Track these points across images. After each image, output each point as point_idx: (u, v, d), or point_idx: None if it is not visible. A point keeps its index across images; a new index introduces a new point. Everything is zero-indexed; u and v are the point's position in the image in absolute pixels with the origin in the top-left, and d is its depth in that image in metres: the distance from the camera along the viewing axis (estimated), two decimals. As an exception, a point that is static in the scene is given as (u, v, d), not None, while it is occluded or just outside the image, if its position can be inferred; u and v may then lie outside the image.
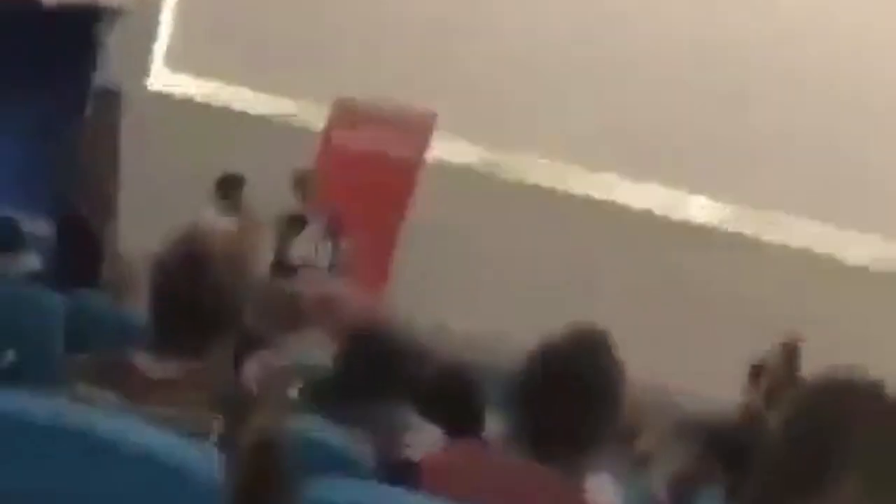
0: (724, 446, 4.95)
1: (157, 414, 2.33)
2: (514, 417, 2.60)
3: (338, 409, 3.51)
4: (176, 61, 11.78)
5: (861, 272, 9.85)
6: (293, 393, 4.77)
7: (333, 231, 8.96)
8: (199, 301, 2.47)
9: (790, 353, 7.47)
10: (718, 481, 4.44)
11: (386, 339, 3.81)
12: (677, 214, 10.47)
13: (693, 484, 4.87)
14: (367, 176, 9.64)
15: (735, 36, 10.13)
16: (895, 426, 1.99)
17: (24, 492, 2.11)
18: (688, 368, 9.31)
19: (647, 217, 10.44)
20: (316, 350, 6.35)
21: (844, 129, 9.85)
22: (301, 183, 8.97)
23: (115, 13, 11.57)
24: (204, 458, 2.15)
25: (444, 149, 10.14)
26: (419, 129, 10.06)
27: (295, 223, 8.91)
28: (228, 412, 2.39)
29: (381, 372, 3.68)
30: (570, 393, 2.52)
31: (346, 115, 10.18)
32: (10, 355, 5.08)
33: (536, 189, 10.55)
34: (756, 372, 7.58)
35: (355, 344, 3.78)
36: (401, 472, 2.94)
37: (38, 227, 8.80)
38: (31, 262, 6.54)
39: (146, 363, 2.47)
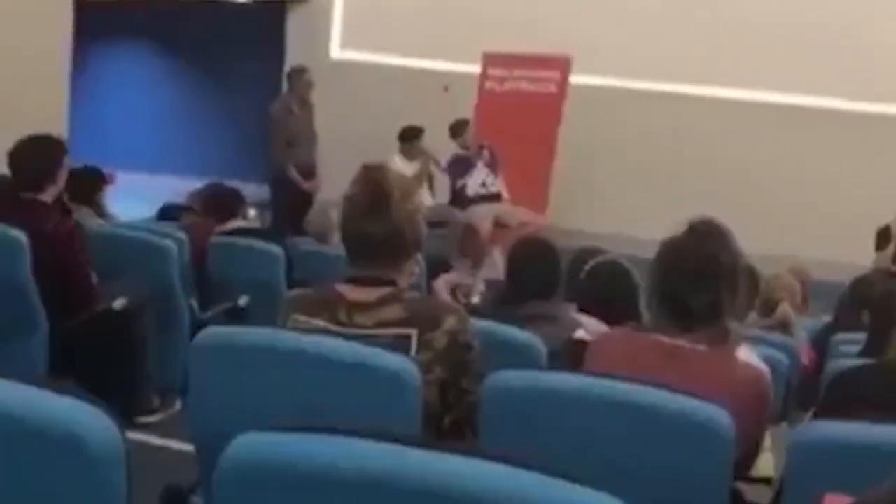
0: (863, 300, 4.85)
1: (362, 331, 2.40)
2: (660, 301, 2.59)
3: (514, 310, 3.56)
4: (349, 38, 11.92)
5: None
6: (477, 301, 4.85)
7: (495, 166, 9.06)
8: (382, 230, 2.50)
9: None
10: (860, 330, 4.38)
11: (550, 248, 3.85)
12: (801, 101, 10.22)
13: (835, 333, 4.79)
14: (518, 115, 9.66)
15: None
16: None
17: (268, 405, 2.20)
18: (816, 239, 9.11)
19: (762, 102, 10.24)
20: (492, 267, 6.46)
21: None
22: (460, 129, 9.13)
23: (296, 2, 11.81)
24: (402, 363, 2.19)
25: (580, 83, 10.10)
26: (558, 69, 10.10)
27: (463, 163, 9.02)
28: (423, 322, 2.44)
29: (548, 276, 3.71)
30: (704, 272, 2.52)
31: (495, 65, 10.25)
32: (244, 300, 5.26)
33: (667, 103, 10.44)
34: (884, 235, 7.33)
35: (525, 255, 3.82)
36: (571, 357, 2.97)
37: (257, 191, 9.09)
38: (254, 221, 6.73)
39: (350, 289, 2.52)
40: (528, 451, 1.32)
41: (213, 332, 2.30)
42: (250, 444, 1.35)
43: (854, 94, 10.00)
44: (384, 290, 2.49)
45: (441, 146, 9.10)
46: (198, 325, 4.88)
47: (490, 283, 5.55)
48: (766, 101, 10.29)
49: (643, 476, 2.15)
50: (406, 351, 2.33)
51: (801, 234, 9.24)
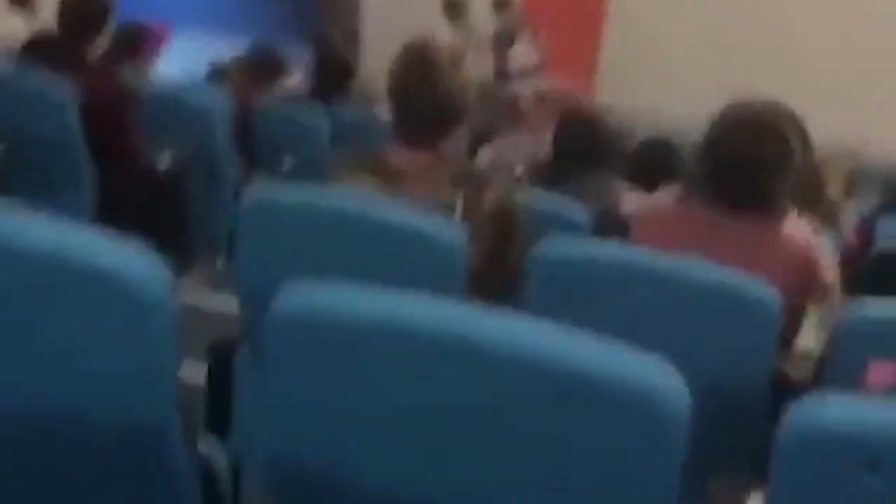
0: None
1: (407, 195, 2.41)
2: (708, 177, 2.57)
3: (558, 182, 3.55)
4: None
5: None
6: (520, 172, 4.83)
7: (538, 41, 8.93)
8: (430, 99, 2.51)
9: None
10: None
11: (593, 119, 3.80)
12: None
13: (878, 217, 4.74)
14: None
15: None
16: None
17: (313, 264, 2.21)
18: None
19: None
20: (534, 138, 6.41)
21: None
22: (504, 3, 9.00)
23: None
24: (447, 226, 2.20)
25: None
26: None
27: (507, 36, 8.91)
28: (469, 187, 2.45)
29: (591, 147, 3.68)
30: (752, 164, 2.49)
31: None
32: (288, 161, 5.26)
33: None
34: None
35: (568, 126, 3.78)
36: (615, 227, 2.96)
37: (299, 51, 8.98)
38: (296, 82, 6.68)
39: (396, 154, 2.54)
40: (570, 322, 1.32)
41: (261, 191, 2.31)
42: (303, 293, 1.36)
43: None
44: (431, 157, 2.50)
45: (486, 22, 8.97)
46: (240, 189, 4.93)
47: (532, 159, 5.53)
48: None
49: (686, 351, 2.15)
50: (451, 215, 2.34)
51: (861, 115, 9.00)
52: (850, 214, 5.51)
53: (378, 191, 2.45)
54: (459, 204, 2.42)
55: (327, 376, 1.34)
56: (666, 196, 2.79)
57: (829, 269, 2.58)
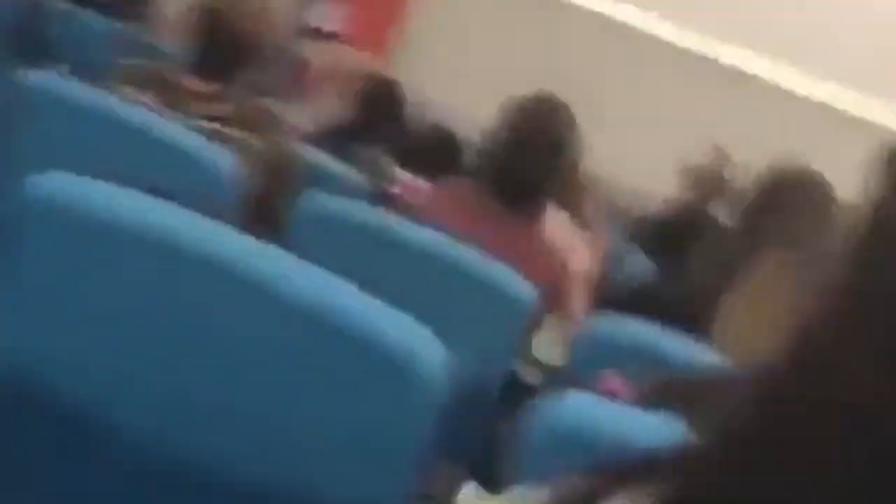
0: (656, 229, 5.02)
1: (189, 120, 2.38)
2: (484, 166, 2.64)
3: (340, 148, 3.53)
4: None
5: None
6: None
7: (342, 5, 8.84)
8: (226, 37, 2.54)
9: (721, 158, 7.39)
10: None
11: (381, 91, 3.80)
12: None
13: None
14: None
15: None
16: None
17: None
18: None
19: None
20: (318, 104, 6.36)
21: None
22: None
23: None
24: (225, 159, 2.15)
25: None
26: None
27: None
28: (249, 128, 2.45)
29: (376, 119, 3.68)
30: (528, 143, 2.56)
31: None
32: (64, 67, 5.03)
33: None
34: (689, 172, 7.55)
35: (358, 94, 3.77)
36: (386, 201, 2.99)
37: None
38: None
39: (185, 78, 2.52)
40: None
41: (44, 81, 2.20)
42: (66, 184, 1.28)
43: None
44: (219, 88, 2.50)
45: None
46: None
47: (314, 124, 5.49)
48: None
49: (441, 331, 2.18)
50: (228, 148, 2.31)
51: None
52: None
53: (162, 109, 2.41)
54: (237, 139, 2.40)
55: (75, 276, 1.27)
56: (450, 186, 2.84)
57: (581, 278, 2.67)
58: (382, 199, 3.09)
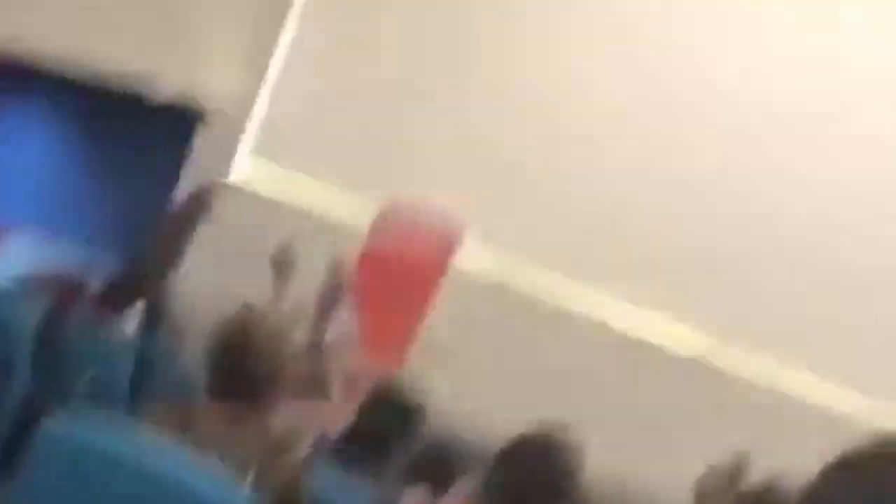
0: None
1: (208, 452, 2.45)
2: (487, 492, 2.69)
3: (349, 462, 3.58)
4: (261, 156, 11.91)
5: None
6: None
7: (356, 318, 9.04)
8: (245, 367, 2.62)
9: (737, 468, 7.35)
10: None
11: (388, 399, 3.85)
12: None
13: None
14: (394, 275, 9.70)
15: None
16: None
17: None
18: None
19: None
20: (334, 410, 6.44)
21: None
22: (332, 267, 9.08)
23: (206, 111, 11.81)
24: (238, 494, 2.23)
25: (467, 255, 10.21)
26: (448, 236, 10.11)
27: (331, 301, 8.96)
28: (264, 455, 2.51)
29: (382, 430, 3.72)
30: (530, 482, 2.63)
31: (388, 217, 10.27)
32: (88, 382, 5.16)
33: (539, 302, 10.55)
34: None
35: (373, 410, 3.84)
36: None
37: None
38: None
39: (206, 407, 2.62)
40: None
41: (63, 424, 2.31)
42: None
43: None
44: (236, 411, 2.57)
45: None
46: (29, 405, 4.80)
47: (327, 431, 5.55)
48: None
49: None
50: (244, 478, 2.39)
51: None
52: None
53: (180, 443, 2.48)
54: (254, 469, 2.46)
55: None
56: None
57: None
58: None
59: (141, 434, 2.47)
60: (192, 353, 6.29)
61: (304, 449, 2.76)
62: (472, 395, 9.91)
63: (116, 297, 6.11)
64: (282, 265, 8.95)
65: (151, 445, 2.31)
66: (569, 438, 2.74)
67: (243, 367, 2.62)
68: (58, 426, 2.29)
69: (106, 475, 2.23)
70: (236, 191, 11.40)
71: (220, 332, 2.69)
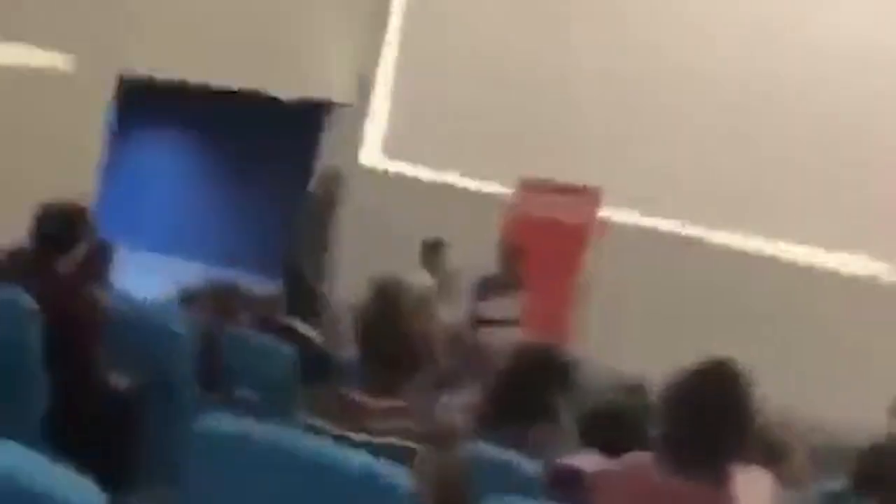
0: (872, 467, 4.76)
1: (369, 441, 2.40)
2: (663, 438, 2.59)
3: (498, 426, 3.47)
4: (388, 147, 12.11)
5: None
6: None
7: (519, 291, 9.02)
8: (393, 342, 2.53)
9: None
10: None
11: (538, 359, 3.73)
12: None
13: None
14: (545, 241, 9.73)
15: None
16: None
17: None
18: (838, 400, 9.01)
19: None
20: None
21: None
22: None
23: (336, 105, 11.97)
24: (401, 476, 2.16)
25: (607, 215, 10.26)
26: (589, 200, 10.25)
27: (488, 284, 8.99)
28: (428, 443, 2.43)
29: (542, 396, 3.59)
30: (704, 413, 2.51)
31: (528, 190, 10.43)
32: (249, 392, 5.22)
33: (684, 242, 10.52)
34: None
35: (511, 372, 3.71)
36: (568, 485, 2.94)
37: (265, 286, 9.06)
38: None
39: (359, 396, 2.53)
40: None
41: (216, 423, 2.29)
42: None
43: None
44: (395, 401, 2.51)
45: (464, 264, 9.10)
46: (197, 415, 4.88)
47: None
48: (798, 261, 10.27)
49: None
50: (409, 464, 2.32)
51: (820, 394, 9.10)
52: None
53: (343, 433, 2.43)
54: (419, 455, 2.39)
55: None
56: (631, 460, 2.78)
57: None
58: (563, 478, 3.03)
59: (296, 425, 2.42)
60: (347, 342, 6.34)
61: (465, 443, 2.63)
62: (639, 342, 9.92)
63: (283, 303, 6.20)
64: (432, 248, 9.01)
65: (301, 436, 2.27)
66: (741, 369, 2.60)
67: (389, 332, 2.52)
68: (214, 424, 2.26)
69: (264, 466, 2.18)
70: (370, 174, 11.63)
71: (366, 298, 2.60)
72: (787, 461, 5.39)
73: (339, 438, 2.39)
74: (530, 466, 2.95)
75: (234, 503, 2.17)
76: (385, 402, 2.51)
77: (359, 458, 2.16)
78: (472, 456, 2.54)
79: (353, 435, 2.42)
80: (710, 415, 2.50)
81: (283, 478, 2.15)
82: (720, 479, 2.52)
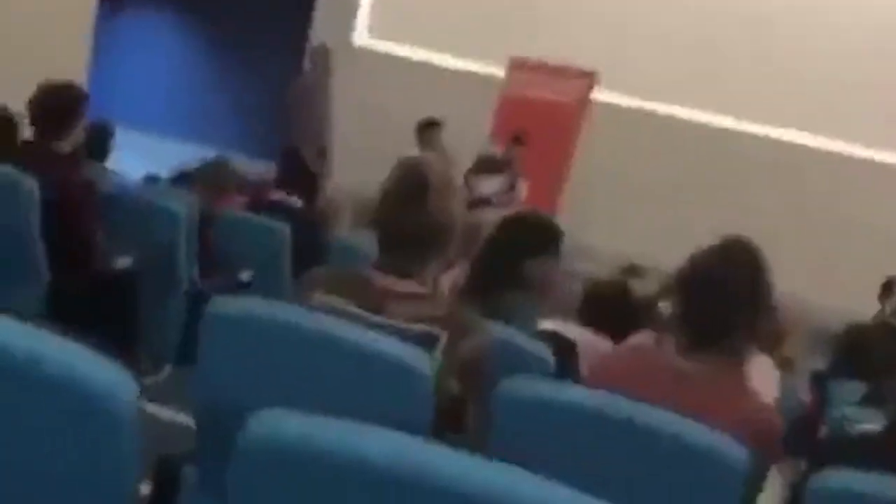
0: (861, 349, 4.82)
1: (391, 323, 2.35)
2: (680, 316, 2.57)
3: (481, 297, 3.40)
4: (375, 26, 11.95)
5: None
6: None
7: (514, 171, 9.02)
8: (420, 221, 2.46)
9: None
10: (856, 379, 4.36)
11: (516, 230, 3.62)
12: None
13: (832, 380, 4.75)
14: (537, 123, 9.66)
15: None
16: None
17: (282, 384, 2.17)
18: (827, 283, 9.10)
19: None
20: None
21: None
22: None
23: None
24: (425, 361, 2.16)
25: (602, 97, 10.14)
26: (582, 81, 10.18)
27: (483, 164, 8.97)
28: (452, 331, 2.40)
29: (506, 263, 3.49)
30: (720, 287, 2.50)
31: (521, 70, 10.32)
32: (246, 275, 5.23)
33: (681, 125, 10.50)
34: (888, 286, 7.35)
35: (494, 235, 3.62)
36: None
37: (260, 167, 9.01)
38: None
39: (378, 278, 2.48)
40: (528, 462, 1.30)
41: (229, 303, 2.26)
42: (275, 422, 1.32)
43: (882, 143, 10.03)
44: (416, 285, 2.47)
45: (456, 143, 9.06)
46: (196, 295, 4.89)
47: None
48: (792, 141, 10.29)
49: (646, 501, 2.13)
50: (432, 350, 2.30)
51: (806, 277, 9.18)
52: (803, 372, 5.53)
53: (361, 313, 2.40)
54: (442, 341, 2.36)
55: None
56: (638, 341, 2.78)
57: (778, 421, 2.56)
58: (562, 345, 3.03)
59: (302, 304, 2.38)
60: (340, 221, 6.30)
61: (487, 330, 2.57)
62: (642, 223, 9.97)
63: (285, 182, 6.14)
64: (428, 127, 8.93)
65: (321, 317, 2.23)
66: (757, 247, 2.57)
67: (419, 210, 2.45)
68: (224, 305, 2.24)
69: (274, 344, 2.17)
70: (362, 52, 11.50)
71: (394, 175, 2.52)
72: (780, 346, 5.48)
73: (358, 318, 2.34)
74: (545, 352, 2.94)
75: (254, 385, 2.16)
76: (407, 285, 2.46)
77: (381, 341, 2.13)
78: (494, 340, 2.51)
79: (371, 316, 2.38)
80: (729, 292, 2.49)
81: (302, 358, 2.13)
82: (736, 359, 2.52)
